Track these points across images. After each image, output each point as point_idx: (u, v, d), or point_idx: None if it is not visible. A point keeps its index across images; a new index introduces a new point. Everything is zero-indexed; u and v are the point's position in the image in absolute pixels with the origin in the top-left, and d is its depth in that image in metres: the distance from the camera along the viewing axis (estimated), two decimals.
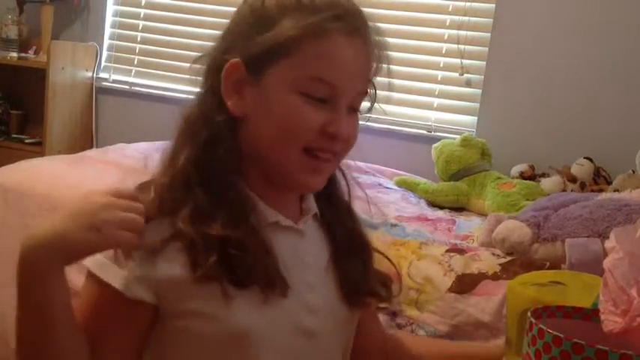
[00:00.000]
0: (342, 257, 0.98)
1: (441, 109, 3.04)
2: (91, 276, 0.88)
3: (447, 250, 1.78)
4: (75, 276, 1.99)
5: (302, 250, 0.95)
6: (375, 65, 0.93)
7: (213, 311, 0.85)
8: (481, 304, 1.63)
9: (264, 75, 0.88)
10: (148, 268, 0.85)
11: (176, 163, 0.90)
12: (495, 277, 1.67)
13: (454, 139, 2.77)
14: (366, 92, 0.94)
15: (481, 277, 1.67)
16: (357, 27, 0.89)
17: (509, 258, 1.75)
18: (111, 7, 3.60)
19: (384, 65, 0.94)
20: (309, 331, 0.92)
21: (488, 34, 2.92)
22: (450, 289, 1.66)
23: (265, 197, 0.92)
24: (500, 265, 1.71)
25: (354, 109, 0.92)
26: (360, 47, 0.90)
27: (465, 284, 1.66)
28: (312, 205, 0.99)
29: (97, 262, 0.87)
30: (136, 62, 3.59)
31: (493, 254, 1.78)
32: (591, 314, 0.79)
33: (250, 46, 0.88)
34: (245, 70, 0.89)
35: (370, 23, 0.92)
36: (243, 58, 0.89)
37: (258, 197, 0.92)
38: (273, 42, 0.87)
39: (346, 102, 0.90)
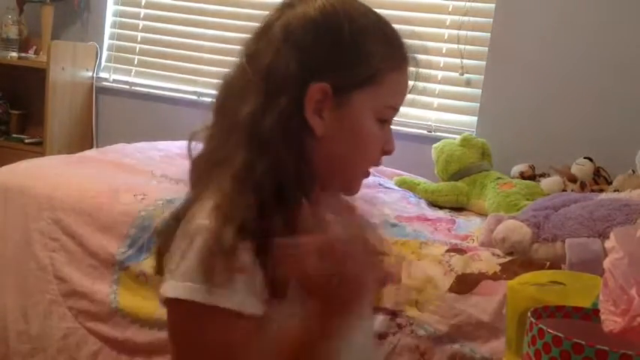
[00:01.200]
0: None
1: (441, 109, 3.04)
2: (192, 307, 0.85)
3: (447, 250, 1.78)
4: (76, 276, 1.96)
5: None
6: None
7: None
8: (481, 304, 1.63)
9: (348, 101, 0.93)
10: (245, 283, 0.85)
11: (253, 183, 0.88)
12: (495, 277, 1.67)
13: (454, 139, 2.77)
14: None
15: (481, 277, 1.67)
16: (410, 57, 0.99)
17: (509, 258, 1.75)
18: (111, 7, 3.60)
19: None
20: None
21: (488, 34, 2.92)
22: (450, 289, 1.66)
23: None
24: (500, 265, 1.71)
25: None
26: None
27: (465, 284, 1.66)
28: None
29: (198, 292, 0.84)
30: (136, 62, 3.59)
31: (493, 254, 1.78)
32: (591, 314, 0.79)
33: (341, 74, 0.92)
34: (331, 95, 0.92)
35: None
36: (331, 84, 0.92)
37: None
38: (364, 74, 0.93)
39: None
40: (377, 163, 1.02)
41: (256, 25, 0.97)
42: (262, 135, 0.89)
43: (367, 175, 1.02)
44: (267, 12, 0.97)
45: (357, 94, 0.93)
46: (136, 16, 3.58)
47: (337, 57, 0.92)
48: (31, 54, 3.54)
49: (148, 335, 1.90)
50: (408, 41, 0.99)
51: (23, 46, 3.56)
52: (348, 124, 0.94)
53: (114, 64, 3.61)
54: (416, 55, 1.00)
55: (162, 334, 1.89)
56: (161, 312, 2.05)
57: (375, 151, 0.99)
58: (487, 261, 1.73)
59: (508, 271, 1.67)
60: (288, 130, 0.90)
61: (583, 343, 0.65)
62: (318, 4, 0.93)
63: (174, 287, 0.85)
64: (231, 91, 0.95)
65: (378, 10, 0.98)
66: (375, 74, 0.93)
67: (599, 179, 2.54)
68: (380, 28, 0.96)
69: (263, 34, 0.94)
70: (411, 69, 0.99)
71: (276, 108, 0.90)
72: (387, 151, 1.01)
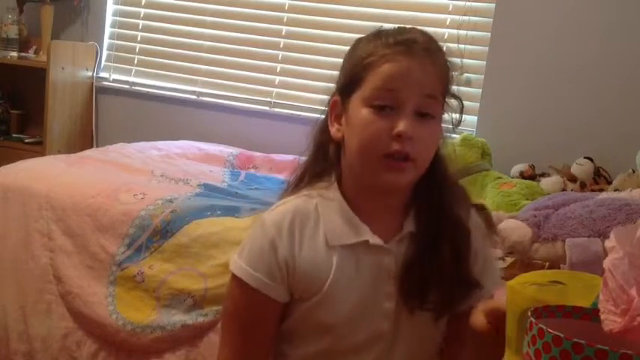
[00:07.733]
0: (422, 265, 1.07)
1: None
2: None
3: None
4: (75, 276, 1.95)
5: (386, 265, 1.07)
6: (444, 77, 1.07)
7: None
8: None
9: (350, 102, 1.06)
10: None
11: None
12: None
13: (454, 138, 2.77)
14: (433, 96, 1.05)
15: None
16: (414, 47, 1.03)
17: (508, 260, 1.75)
18: (111, 7, 3.60)
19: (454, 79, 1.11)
20: (382, 334, 1.08)
21: (488, 34, 2.91)
22: None
23: (360, 211, 1.07)
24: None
25: (423, 114, 1.03)
26: (418, 62, 1.02)
27: None
28: (410, 224, 1.09)
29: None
30: (136, 62, 3.59)
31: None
32: (591, 314, 0.79)
33: (341, 77, 1.08)
34: (340, 104, 1.08)
35: (434, 45, 1.07)
36: (339, 92, 1.08)
37: (354, 211, 1.07)
38: (354, 71, 1.05)
39: (410, 107, 1.02)
40: (388, 147, 1.01)
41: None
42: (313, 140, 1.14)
43: (389, 165, 1.02)
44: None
45: (355, 93, 1.04)
46: (136, 16, 3.58)
47: (341, 72, 1.09)
48: (31, 54, 3.54)
49: (146, 336, 1.90)
50: (400, 35, 1.05)
51: (23, 45, 3.56)
52: (351, 121, 1.05)
53: (114, 64, 3.61)
54: (407, 40, 1.04)
55: (160, 335, 1.89)
56: (157, 313, 2.04)
57: (374, 135, 1.01)
58: None
59: (505, 274, 1.67)
60: (322, 136, 1.11)
61: (583, 342, 0.65)
62: None
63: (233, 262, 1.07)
64: None
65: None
66: (362, 72, 1.04)
67: (599, 179, 2.54)
68: (371, 37, 1.07)
69: None
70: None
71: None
72: (396, 134, 1.01)
